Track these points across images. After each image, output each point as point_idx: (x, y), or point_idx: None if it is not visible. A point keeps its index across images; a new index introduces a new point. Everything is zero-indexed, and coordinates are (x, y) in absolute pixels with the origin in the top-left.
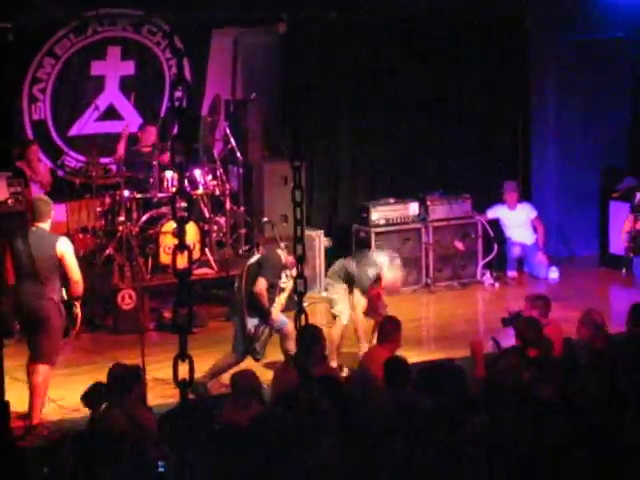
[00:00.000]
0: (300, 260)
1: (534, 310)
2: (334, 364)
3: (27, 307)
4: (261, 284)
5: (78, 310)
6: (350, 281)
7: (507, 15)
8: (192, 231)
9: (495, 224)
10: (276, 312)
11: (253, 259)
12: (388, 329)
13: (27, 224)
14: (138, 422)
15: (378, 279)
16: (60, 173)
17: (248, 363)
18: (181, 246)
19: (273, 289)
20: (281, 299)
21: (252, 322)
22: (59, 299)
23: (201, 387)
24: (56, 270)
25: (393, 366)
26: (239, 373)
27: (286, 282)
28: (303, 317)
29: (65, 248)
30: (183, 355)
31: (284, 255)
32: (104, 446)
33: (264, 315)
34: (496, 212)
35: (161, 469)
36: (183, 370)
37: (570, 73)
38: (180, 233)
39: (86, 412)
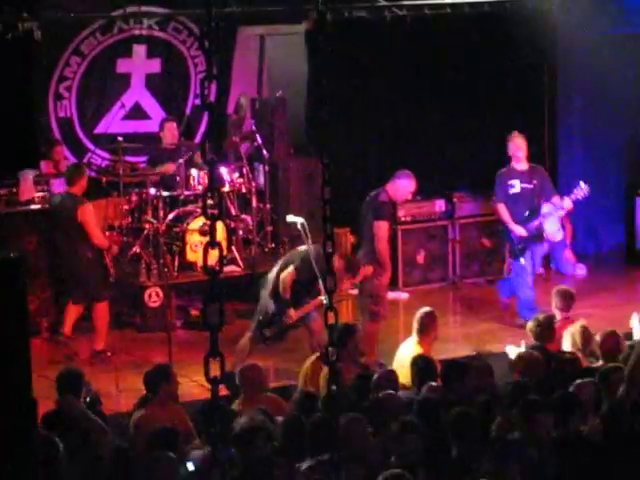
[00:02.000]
0: (329, 257)
1: (554, 300)
2: (373, 360)
3: (65, 263)
4: (287, 274)
5: (107, 260)
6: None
7: (536, 8)
8: (219, 229)
9: None
10: (299, 313)
11: (302, 247)
12: (425, 321)
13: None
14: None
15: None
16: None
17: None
18: (212, 243)
19: (302, 289)
20: (308, 306)
21: (272, 306)
22: (94, 255)
23: (232, 379)
24: (82, 230)
25: (420, 364)
26: (244, 367)
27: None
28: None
29: (85, 218)
30: (214, 352)
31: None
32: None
33: (284, 306)
34: None
35: (190, 467)
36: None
37: (597, 68)
38: (212, 230)
39: (111, 409)
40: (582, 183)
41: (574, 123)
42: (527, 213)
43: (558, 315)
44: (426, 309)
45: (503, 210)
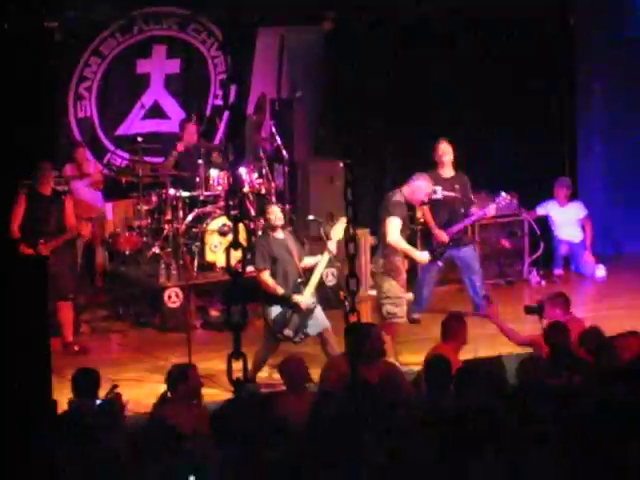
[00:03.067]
0: (352, 259)
1: (556, 308)
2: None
3: None
4: (259, 275)
5: None
6: None
7: (553, 13)
8: (240, 230)
9: (542, 222)
10: (306, 295)
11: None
12: (451, 326)
13: None
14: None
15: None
16: (106, 172)
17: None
18: (235, 244)
19: (281, 274)
20: (312, 281)
21: (273, 310)
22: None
23: (251, 384)
24: None
25: (432, 365)
26: (286, 360)
27: (310, 260)
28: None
29: None
30: (237, 353)
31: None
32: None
33: (286, 300)
34: (546, 208)
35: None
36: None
37: (616, 71)
38: (235, 232)
39: (132, 410)
40: (503, 192)
41: (594, 126)
42: (447, 219)
43: (561, 319)
44: (452, 313)
45: (428, 213)
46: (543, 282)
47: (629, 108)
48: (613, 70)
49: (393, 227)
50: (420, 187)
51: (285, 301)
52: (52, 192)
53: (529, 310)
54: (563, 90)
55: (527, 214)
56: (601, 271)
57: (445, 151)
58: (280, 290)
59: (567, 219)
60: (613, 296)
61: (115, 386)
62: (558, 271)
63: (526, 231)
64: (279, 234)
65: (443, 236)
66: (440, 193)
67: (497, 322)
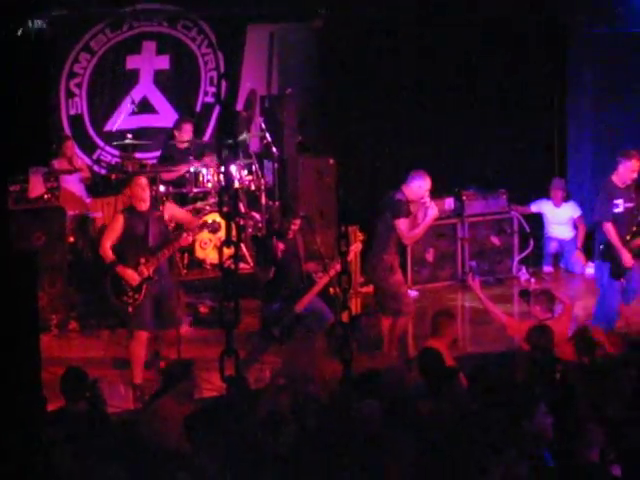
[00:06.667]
0: (344, 256)
1: (537, 305)
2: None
3: None
4: (259, 273)
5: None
6: None
7: (544, 10)
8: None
9: (531, 219)
10: (304, 300)
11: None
12: (441, 322)
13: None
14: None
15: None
16: (96, 168)
17: None
18: (228, 241)
19: (284, 275)
20: (312, 290)
21: (273, 307)
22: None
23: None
24: None
25: (423, 359)
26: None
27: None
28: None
29: None
30: (230, 351)
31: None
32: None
33: (287, 300)
34: (540, 207)
35: None
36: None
37: (608, 68)
38: (228, 228)
39: (120, 407)
40: None
41: (585, 123)
42: (633, 230)
43: (539, 316)
44: (440, 309)
45: (613, 231)
46: (532, 279)
47: (622, 104)
48: (605, 66)
49: (404, 227)
50: (419, 186)
51: (282, 301)
52: (148, 208)
53: (523, 294)
54: (554, 86)
55: (519, 210)
56: (591, 269)
57: (636, 169)
58: (280, 290)
59: (561, 219)
60: None
61: (95, 381)
62: (547, 268)
63: (515, 229)
64: (289, 236)
65: (630, 261)
66: (622, 206)
67: (479, 294)
